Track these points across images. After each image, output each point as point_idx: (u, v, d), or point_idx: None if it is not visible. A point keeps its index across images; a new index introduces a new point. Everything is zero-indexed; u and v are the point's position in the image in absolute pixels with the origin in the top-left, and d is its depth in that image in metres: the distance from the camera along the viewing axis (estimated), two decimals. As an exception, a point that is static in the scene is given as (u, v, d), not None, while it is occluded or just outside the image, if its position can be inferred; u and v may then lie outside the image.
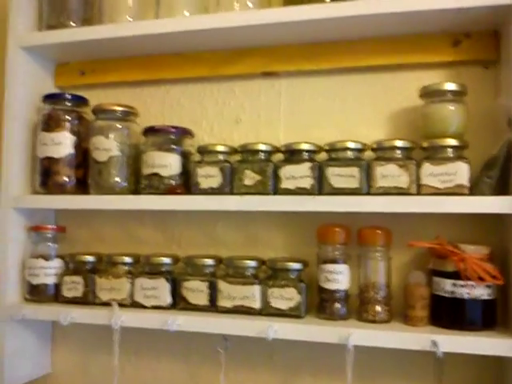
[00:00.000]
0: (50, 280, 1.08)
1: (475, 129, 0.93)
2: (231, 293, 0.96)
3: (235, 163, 0.98)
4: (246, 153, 0.98)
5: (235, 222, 1.08)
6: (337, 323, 0.90)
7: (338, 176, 0.91)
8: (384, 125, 1.01)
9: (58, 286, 1.07)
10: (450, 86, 0.89)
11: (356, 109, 1.03)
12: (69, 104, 1.09)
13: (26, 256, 1.10)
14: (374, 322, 0.90)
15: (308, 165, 0.92)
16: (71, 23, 1.09)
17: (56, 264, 1.09)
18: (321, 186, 0.92)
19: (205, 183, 0.98)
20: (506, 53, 0.90)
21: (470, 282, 0.85)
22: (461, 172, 0.85)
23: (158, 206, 0.99)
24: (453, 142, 0.87)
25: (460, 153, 0.88)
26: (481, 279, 0.84)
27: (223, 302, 0.97)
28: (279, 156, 0.99)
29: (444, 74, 0.98)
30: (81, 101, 1.11)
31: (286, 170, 0.94)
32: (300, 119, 1.06)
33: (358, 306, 0.93)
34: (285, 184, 0.93)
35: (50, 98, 1.10)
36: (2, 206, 1.08)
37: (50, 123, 1.07)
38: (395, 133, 1.00)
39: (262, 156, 0.97)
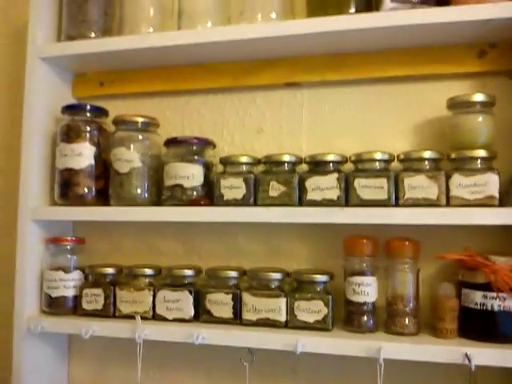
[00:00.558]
0: (70, 292, 1.06)
1: (503, 139, 0.93)
2: (256, 305, 0.95)
3: (259, 174, 0.97)
4: (271, 164, 0.97)
5: (257, 233, 1.07)
6: (365, 336, 0.89)
7: (366, 187, 0.90)
8: (408, 135, 1.01)
9: (77, 299, 1.06)
10: (479, 97, 0.89)
11: (380, 119, 1.03)
12: (89, 115, 1.08)
13: (45, 268, 1.08)
14: (402, 334, 0.89)
15: (335, 176, 0.92)
16: (91, 34, 1.09)
17: (75, 276, 1.07)
18: (348, 198, 0.91)
19: (229, 194, 0.97)
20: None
21: (501, 294, 0.84)
22: (490, 183, 0.85)
23: (182, 218, 0.98)
24: (482, 152, 0.87)
25: (489, 164, 0.88)
26: (512, 291, 0.83)
27: (248, 315, 0.95)
28: (303, 167, 0.98)
29: (469, 85, 0.98)
30: (101, 112, 1.10)
31: (312, 181, 0.93)
32: (322, 130, 1.06)
33: (385, 319, 0.92)
34: (311, 195, 0.93)
35: (69, 108, 1.09)
36: (20, 217, 1.06)
37: (70, 134, 1.06)
38: (420, 144, 1.00)
39: (286, 167, 0.97)
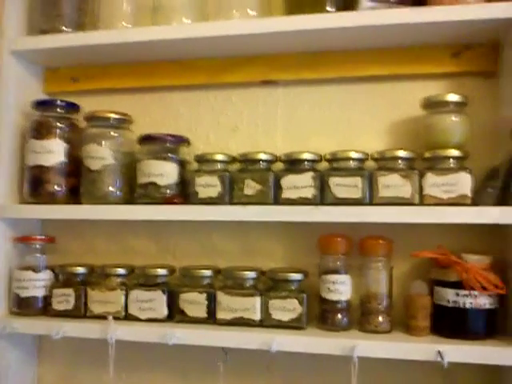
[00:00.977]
0: (39, 292, 1.04)
1: (476, 139, 0.94)
2: (231, 304, 0.94)
3: (234, 172, 0.96)
4: (246, 162, 0.97)
5: (231, 231, 1.07)
6: (339, 334, 0.89)
7: (341, 186, 0.90)
8: (383, 135, 1.01)
9: (47, 299, 1.03)
10: (453, 97, 0.90)
11: (355, 118, 1.03)
12: (60, 111, 1.06)
13: (13, 268, 1.06)
14: (376, 332, 0.90)
15: (310, 174, 0.92)
16: (64, 28, 1.06)
17: (45, 276, 1.05)
18: (323, 196, 0.91)
19: (203, 193, 0.96)
20: (506, 64, 0.91)
21: (472, 292, 0.85)
22: (463, 182, 0.86)
23: (155, 217, 0.97)
24: (455, 152, 0.88)
25: (462, 163, 0.89)
26: (484, 289, 0.84)
27: (222, 314, 0.94)
28: (278, 165, 0.98)
29: (444, 85, 0.99)
30: (72, 107, 1.08)
31: (288, 180, 0.93)
32: (298, 128, 1.06)
33: (359, 317, 0.92)
34: (286, 194, 0.92)
35: (40, 104, 1.06)
36: (-13, 216, 1.04)
37: (40, 130, 1.04)
38: (395, 143, 1.00)
39: (262, 165, 0.96)
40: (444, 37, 0.94)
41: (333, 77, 1.02)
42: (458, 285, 0.86)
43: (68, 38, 1.04)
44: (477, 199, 0.87)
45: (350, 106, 1.03)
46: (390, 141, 1.01)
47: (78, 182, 1.04)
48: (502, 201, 0.86)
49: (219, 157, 0.98)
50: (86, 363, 1.13)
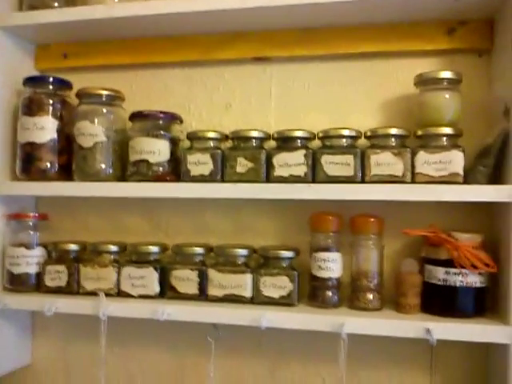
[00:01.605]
0: (32, 269, 1.04)
1: (469, 117, 0.94)
2: (222, 281, 0.94)
3: (226, 150, 0.96)
4: (238, 139, 0.96)
5: (224, 209, 1.07)
6: (329, 311, 0.90)
7: (333, 164, 0.90)
8: (377, 112, 1.01)
9: (40, 276, 1.04)
10: (446, 74, 0.89)
11: (348, 96, 1.02)
12: (51, 87, 1.05)
13: (6, 244, 1.06)
14: (365, 309, 0.90)
15: (302, 152, 0.91)
16: (54, 4, 1.05)
17: (38, 253, 1.05)
18: (314, 174, 0.91)
19: (195, 170, 0.95)
20: (500, 41, 0.90)
21: (463, 270, 0.85)
22: (455, 160, 0.85)
23: (147, 194, 0.96)
24: (447, 130, 0.87)
25: (454, 141, 0.88)
26: (474, 267, 0.85)
27: (213, 291, 0.95)
28: (271, 143, 0.97)
29: (438, 62, 0.98)
30: (64, 84, 1.07)
31: (280, 158, 0.92)
32: (291, 105, 1.05)
33: (349, 294, 0.93)
34: (278, 172, 0.92)
35: (31, 80, 1.06)
36: (-20, 193, 1.03)
37: (32, 107, 1.03)
38: (388, 120, 1.00)
39: (254, 143, 0.95)
40: (438, 13, 0.93)
41: (326, 54, 1.01)
42: (448, 263, 0.86)
43: (58, 14, 1.03)
44: (469, 177, 0.86)
45: (343, 83, 1.02)
46: (383, 118, 1.00)
47: (69, 159, 1.03)
48: (493, 179, 0.86)
49: (211, 134, 0.97)
50: (80, 338, 1.14)
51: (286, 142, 0.94)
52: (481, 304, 0.88)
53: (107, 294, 0.98)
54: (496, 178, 0.86)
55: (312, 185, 0.89)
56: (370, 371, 1.00)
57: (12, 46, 1.10)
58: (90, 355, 1.11)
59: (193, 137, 0.98)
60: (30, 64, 1.16)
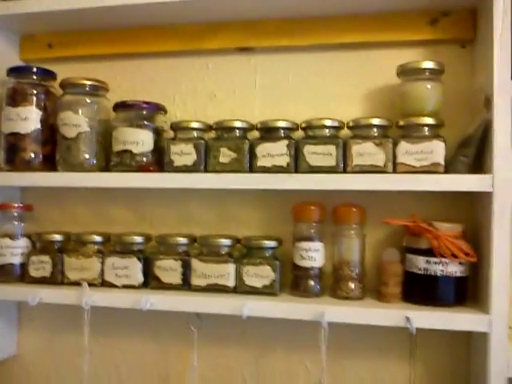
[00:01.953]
0: (17, 260, 1.04)
1: (451, 107, 0.94)
2: (205, 271, 0.95)
3: (210, 140, 0.96)
4: (221, 130, 0.96)
5: (208, 200, 1.07)
6: (311, 300, 0.90)
7: (315, 154, 0.90)
8: (361, 103, 1.01)
9: (24, 266, 1.04)
10: (428, 65, 0.89)
11: (332, 86, 1.02)
12: (35, 78, 1.05)
13: (-9, 235, 1.06)
14: (347, 298, 0.91)
15: (285, 142, 0.91)
16: (37, -8, 1.04)
17: (22, 243, 1.05)
18: (297, 164, 0.91)
19: (179, 161, 0.95)
20: (482, 32, 0.90)
21: (443, 259, 0.86)
22: (437, 150, 0.86)
23: (130, 184, 0.96)
24: (429, 120, 0.88)
25: (436, 131, 0.89)
26: (454, 256, 0.85)
27: (197, 281, 0.95)
28: (255, 133, 0.97)
29: (421, 53, 0.98)
30: (48, 74, 1.07)
31: (263, 148, 0.92)
32: (275, 96, 1.05)
33: (332, 284, 0.93)
34: (261, 162, 0.92)
35: (15, 71, 1.05)
36: (-36, 183, 1.03)
37: (15, 97, 1.03)
38: (372, 111, 1.00)
39: (237, 133, 0.96)
40: (421, 3, 0.93)
41: (310, 44, 1.01)
42: (428, 252, 0.87)
43: (42, 3, 1.02)
44: (450, 167, 0.87)
45: (327, 73, 1.03)
46: (368, 109, 1.00)
47: (54, 149, 1.03)
48: (474, 169, 0.87)
49: (194, 125, 0.97)
50: (66, 329, 1.14)
51: (269, 132, 0.94)
52: (461, 293, 0.88)
53: (91, 284, 0.98)
54: (477, 168, 0.86)
55: (294, 175, 0.89)
56: (352, 360, 1.00)
57: (-4, 36, 1.09)
58: (76, 345, 1.11)
59: (176, 127, 0.98)
60: (15, 54, 1.15)
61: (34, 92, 1.03)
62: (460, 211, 0.95)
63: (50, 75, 1.07)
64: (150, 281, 0.98)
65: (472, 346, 0.94)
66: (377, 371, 1.00)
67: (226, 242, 0.96)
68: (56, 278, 1.02)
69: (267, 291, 0.92)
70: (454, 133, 0.91)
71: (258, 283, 0.93)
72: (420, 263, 0.88)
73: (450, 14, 0.95)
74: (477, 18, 0.93)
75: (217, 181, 0.92)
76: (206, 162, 0.95)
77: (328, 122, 0.91)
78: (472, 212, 0.93)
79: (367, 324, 0.86)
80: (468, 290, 0.90)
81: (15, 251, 1.04)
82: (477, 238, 0.89)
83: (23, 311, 1.17)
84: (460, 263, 0.87)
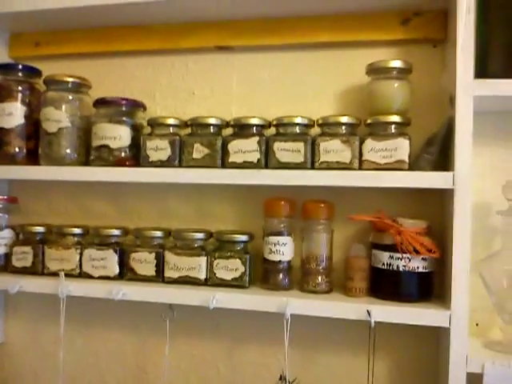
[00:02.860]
0: (1, 250, 1.08)
1: (423, 107, 0.96)
2: (178, 264, 0.98)
3: (184, 136, 0.98)
4: (196, 126, 0.99)
5: (186, 195, 1.10)
6: (278, 293, 0.92)
7: (284, 150, 0.92)
8: (335, 101, 1.03)
9: (8, 256, 1.08)
10: (395, 64, 0.91)
11: (307, 85, 1.04)
12: (20, 74, 1.08)
13: (-24, 226, 1.10)
14: (314, 292, 0.93)
15: (255, 139, 0.93)
16: (23, -8, 1.08)
17: (6, 234, 1.09)
18: (268, 161, 0.93)
19: (154, 156, 0.98)
20: (452, 32, 0.91)
21: (405, 255, 0.87)
22: (401, 148, 0.87)
23: (106, 178, 1.00)
24: (394, 118, 0.89)
25: (402, 129, 0.90)
26: (416, 252, 0.87)
27: (170, 273, 0.98)
28: (230, 130, 0.99)
29: (393, 52, 1.00)
30: (33, 72, 1.10)
31: (234, 144, 0.95)
32: (252, 94, 1.07)
33: (300, 278, 0.95)
34: (232, 158, 0.94)
35: (1, 68, 1.09)
36: (-48, 176, 1.07)
37: (1, 93, 1.06)
38: (346, 109, 1.02)
39: (211, 130, 0.98)
40: (393, 3, 0.95)
41: (284, 43, 1.03)
42: (392, 248, 0.89)
43: (28, 3, 1.05)
44: (415, 165, 0.88)
45: (302, 72, 1.05)
46: (342, 107, 1.02)
47: (37, 144, 1.06)
48: (440, 166, 0.88)
49: (170, 121, 1.00)
50: (49, 318, 1.17)
51: (241, 129, 0.97)
52: (426, 289, 0.90)
53: (70, 275, 1.02)
54: (443, 166, 0.87)
55: (262, 170, 0.91)
56: (320, 353, 1.02)
57: (-15, 34, 1.13)
58: (58, 334, 1.14)
59: (153, 123, 1.01)
60: (4, 52, 1.19)
61: (19, 88, 1.07)
62: (428, 208, 0.96)
63: (35, 72, 1.10)
64: (126, 272, 1.01)
65: (438, 342, 0.96)
66: (340, 365, 1.01)
67: (199, 235, 0.99)
68: (37, 269, 1.05)
69: (237, 284, 0.95)
70: (425, 131, 0.93)
71: (227, 276, 0.95)
72: (384, 258, 0.90)
73: (421, 13, 0.96)
74: (447, 18, 0.95)
75: (188, 176, 0.95)
76: (180, 158, 0.97)
77: (298, 120, 0.93)
78: (438, 209, 0.95)
79: (329, 317, 0.87)
80: (435, 287, 0.91)
81: (-1, 242, 1.08)
82: (442, 234, 0.91)
83: (10, 300, 1.21)
84: (423, 259, 0.88)
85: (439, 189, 0.85)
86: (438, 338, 0.96)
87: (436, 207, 0.95)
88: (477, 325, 0.95)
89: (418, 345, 0.98)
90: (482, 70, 0.82)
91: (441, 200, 0.95)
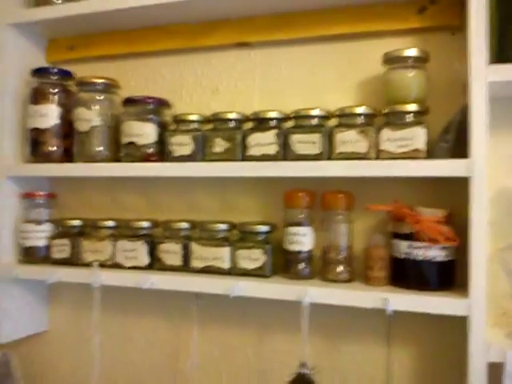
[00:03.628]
0: (41, 243, 1.16)
1: (442, 95, 0.95)
2: (203, 254, 1.01)
3: (207, 132, 1.02)
4: (217, 121, 1.02)
5: (212, 188, 1.13)
6: (298, 282, 0.94)
7: (301, 142, 0.94)
8: (353, 92, 1.03)
9: (48, 248, 1.15)
10: (411, 52, 0.91)
11: (326, 77, 1.05)
12: (54, 78, 1.15)
13: (19, 221, 1.18)
14: (335, 281, 0.94)
15: (273, 132, 0.96)
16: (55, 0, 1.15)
17: (46, 228, 1.16)
18: (285, 153, 0.95)
19: (178, 151, 1.02)
20: (468, 18, 0.90)
21: (424, 244, 0.88)
22: (417, 137, 0.87)
23: (134, 173, 1.05)
24: (410, 107, 0.89)
25: (419, 118, 0.90)
26: (435, 241, 0.87)
27: (195, 263, 1.02)
28: (250, 124, 1.02)
29: (411, 41, 0.99)
30: (66, 75, 1.17)
31: (253, 138, 0.97)
32: (273, 88, 1.10)
33: (320, 267, 0.97)
34: (251, 151, 0.97)
35: (37, 72, 1.16)
36: (-4, 174, 1.16)
37: (37, 96, 1.14)
38: (364, 100, 1.02)
39: (232, 124, 1.01)
40: (408, -8, 0.95)
41: (303, 37, 1.05)
42: (411, 237, 0.89)
43: (58, 9, 1.12)
44: (431, 154, 0.88)
45: (320, 65, 1.06)
46: (358, 98, 1.03)
47: (72, 142, 1.13)
48: (457, 154, 0.87)
49: (193, 117, 1.04)
50: (89, 306, 1.21)
51: (261, 122, 0.99)
52: (446, 278, 0.90)
53: (104, 265, 1.08)
54: (456, 153, 0.86)
55: (278, 162, 0.94)
56: (343, 341, 1.03)
57: (23, 40, 1.21)
58: (99, 322, 1.21)
59: (177, 120, 1.05)
60: (42, 57, 1.26)
61: (53, 91, 1.14)
62: (445, 196, 0.95)
63: (68, 75, 1.17)
64: (155, 262, 1.06)
65: (460, 331, 0.95)
66: (362, 353, 1.02)
67: (223, 226, 1.02)
68: (74, 260, 1.12)
69: (258, 273, 0.98)
70: (444, 120, 0.92)
71: (250, 265, 0.98)
72: (403, 248, 0.90)
73: (437, 1, 0.95)
74: (464, 5, 0.93)
75: (209, 169, 0.99)
76: (202, 152, 1.01)
77: (315, 112, 0.95)
78: (456, 197, 0.94)
79: (347, 305, 0.89)
80: (457, 276, 0.91)
81: (39, 235, 1.16)
82: (462, 222, 0.90)
83: (53, 290, 1.28)
84: (443, 248, 0.88)
85: (457, 177, 0.85)
86: (460, 327, 0.96)
87: (455, 195, 0.94)
88: (504, 314, 0.94)
89: (440, 334, 0.98)
90: (497, 56, 0.81)
91: (460, 188, 0.94)
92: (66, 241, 1.13)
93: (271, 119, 0.98)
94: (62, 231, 1.15)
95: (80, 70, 1.19)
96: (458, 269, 0.91)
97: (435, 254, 0.88)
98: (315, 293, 0.90)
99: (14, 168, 1.16)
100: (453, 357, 0.96)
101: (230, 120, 1.01)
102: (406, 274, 0.91)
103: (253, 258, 0.98)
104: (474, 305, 0.82)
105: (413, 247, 0.89)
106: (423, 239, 0.87)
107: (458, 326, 0.94)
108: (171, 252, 1.04)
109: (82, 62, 1.24)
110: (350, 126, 0.92)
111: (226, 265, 1.00)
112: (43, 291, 1.28)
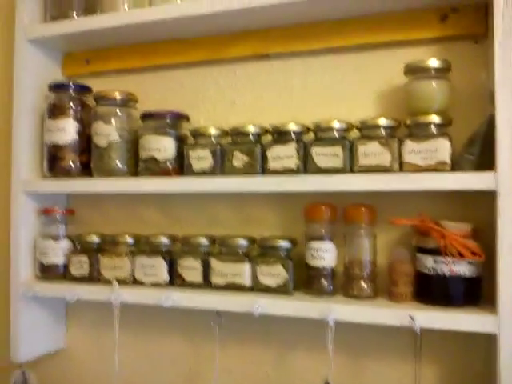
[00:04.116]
0: (59, 259, 1.15)
1: (465, 105, 0.93)
2: (223, 270, 1.00)
3: (225, 145, 1.01)
4: (235, 135, 1.01)
5: (232, 203, 1.12)
6: (321, 299, 0.92)
7: (322, 155, 0.92)
8: (375, 103, 1.01)
9: (66, 265, 1.14)
10: (433, 63, 0.89)
11: (346, 88, 1.04)
12: (72, 92, 1.15)
13: (37, 237, 1.17)
14: (359, 298, 0.92)
15: (294, 145, 0.94)
16: (73, 14, 1.14)
17: (64, 244, 1.15)
18: (306, 166, 0.94)
19: (197, 165, 1.01)
20: (489, 27, 0.88)
21: (450, 259, 0.85)
22: (442, 149, 0.85)
23: (153, 188, 1.03)
24: (434, 118, 0.87)
25: (442, 130, 0.88)
26: (461, 255, 0.84)
27: (216, 279, 1.00)
28: (269, 137, 1.01)
29: (433, 50, 0.97)
30: (83, 89, 1.16)
31: (273, 151, 0.96)
32: (293, 100, 1.08)
33: (343, 283, 0.95)
34: (271, 164, 0.96)
35: (55, 86, 1.16)
36: (13, 190, 1.15)
37: (54, 111, 1.13)
38: (385, 111, 1.00)
39: (250, 138, 1.00)
40: (430, 0, 0.93)
41: (323, 47, 1.03)
42: (436, 251, 0.87)
43: (75, 23, 1.12)
44: (457, 166, 0.86)
45: (340, 76, 1.04)
46: (380, 109, 1.01)
47: (90, 157, 1.12)
48: (483, 166, 0.85)
49: (211, 131, 1.02)
50: (108, 324, 1.21)
51: (280, 135, 0.98)
52: (472, 293, 0.87)
53: (123, 282, 1.07)
54: (484, 166, 0.84)
55: (301, 176, 0.92)
56: (368, 359, 1.01)
57: (40, 55, 1.20)
58: (120, 341, 1.19)
59: (195, 133, 1.04)
60: (58, 71, 1.26)
61: (71, 105, 1.13)
62: (471, 210, 0.93)
63: (86, 89, 1.17)
64: (175, 279, 1.05)
65: (488, 349, 0.92)
66: (388, 372, 1.00)
67: (243, 242, 1.01)
68: (93, 276, 1.11)
69: (280, 290, 0.96)
70: (468, 130, 0.90)
71: (271, 282, 0.96)
72: (428, 262, 0.88)
73: (459, 9, 0.93)
74: (488, 12, 0.91)
75: (228, 184, 0.97)
76: (222, 166, 1.00)
77: (336, 124, 0.93)
78: (482, 210, 0.92)
79: (372, 323, 0.87)
80: (485, 292, 0.88)
81: (58, 252, 1.15)
82: (488, 237, 0.87)
83: (71, 307, 1.27)
84: (469, 263, 0.85)
85: (482, 190, 0.83)
86: (486, 343, 0.93)
87: (482, 209, 0.92)
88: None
89: (468, 352, 0.95)
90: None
91: (484, 201, 0.92)
92: (84, 257, 1.12)
93: (291, 132, 0.96)
94: (81, 247, 1.14)
95: (96, 84, 1.19)
96: (484, 285, 0.88)
97: (462, 269, 0.86)
98: (340, 310, 0.88)
99: (31, 184, 1.16)
100: (481, 374, 0.94)
101: (249, 133, 0.99)
102: (431, 290, 0.89)
103: (274, 273, 0.96)
104: (502, 322, 0.80)
105: (438, 262, 0.87)
106: (449, 254, 0.85)
107: (484, 343, 0.92)
108: (191, 268, 1.03)
109: (98, 76, 1.24)
110: (372, 138, 0.90)
111: (246, 281, 0.98)
112: (61, 308, 1.27)
